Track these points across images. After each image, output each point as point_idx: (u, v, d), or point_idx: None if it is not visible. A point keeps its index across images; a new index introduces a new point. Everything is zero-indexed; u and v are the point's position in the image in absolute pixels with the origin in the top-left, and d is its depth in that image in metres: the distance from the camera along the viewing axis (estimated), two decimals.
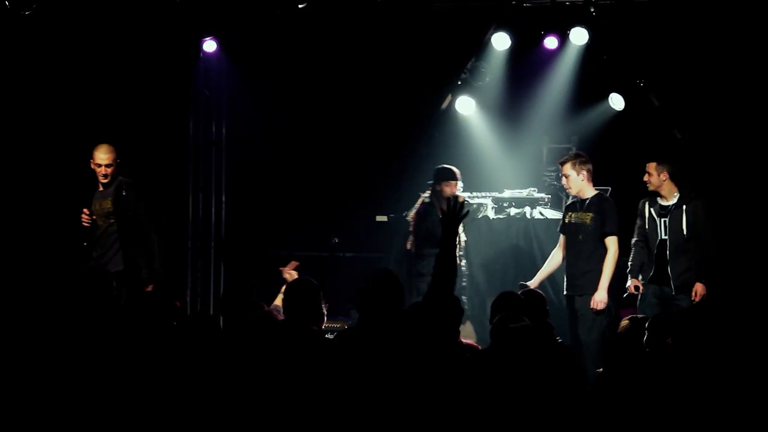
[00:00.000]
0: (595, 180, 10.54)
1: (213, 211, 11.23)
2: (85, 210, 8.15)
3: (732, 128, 10.10)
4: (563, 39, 10.49)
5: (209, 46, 10.80)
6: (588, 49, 10.45)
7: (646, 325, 5.70)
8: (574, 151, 8.36)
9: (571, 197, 8.54)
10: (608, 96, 10.52)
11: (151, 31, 10.20)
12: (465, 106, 10.86)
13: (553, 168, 10.64)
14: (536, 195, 9.98)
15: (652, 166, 8.44)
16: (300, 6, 9.83)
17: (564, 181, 8.25)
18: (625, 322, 6.07)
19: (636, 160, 9.10)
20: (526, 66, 10.80)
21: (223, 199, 11.29)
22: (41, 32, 9.62)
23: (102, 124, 10.19)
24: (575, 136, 10.85)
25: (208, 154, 11.21)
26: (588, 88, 10.64)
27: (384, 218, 10.06)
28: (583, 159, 8.25)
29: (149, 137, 10.54)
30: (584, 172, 8.15)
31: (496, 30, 10.52)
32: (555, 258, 8.48)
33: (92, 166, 8.26)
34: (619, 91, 10.45)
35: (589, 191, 8.23)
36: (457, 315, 5.46)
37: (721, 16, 9.86)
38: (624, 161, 10.40)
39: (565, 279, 8.36)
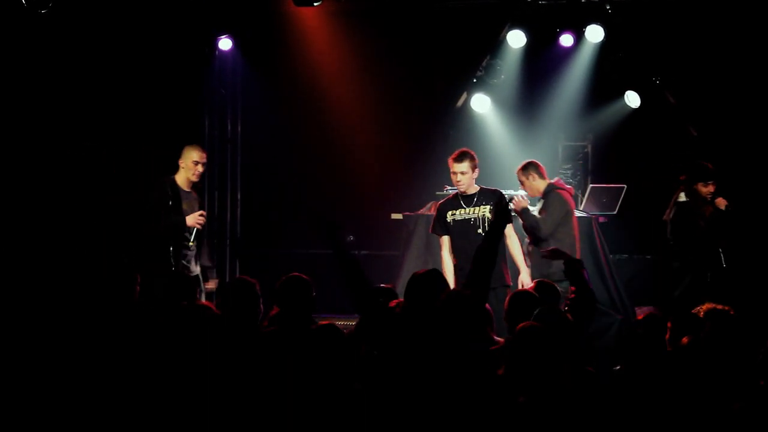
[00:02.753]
0: (611, 178, 10.54)
1: (228, 208, 11.25)
2: (203, 212, 8.00)
3: (748, 125, 10.07)
4: (579, 36, 10.48)
5: (224, 44, 10.84)
6: (603, 47, 10.44)
7: (668, 323, 5.67)
8: (466, 149, 8.27)
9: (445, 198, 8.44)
10: (624, 93, 10.50)
11: (167, 30, 10.23)
12: (480, 103, 10.86)
13: (569, 166, 10.62)
14: None
15: (518, 174, 8.50)
16: (315, 4, 9.84)
17: (459, 177, 8.15)
18: (640, 319, 6.02)
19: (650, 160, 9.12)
20: (541, 64, 10.79)
21: (239, 196, 11.31)
22: (58, 30, 9.65)
23: (118, 123, 10.25)
24: (591, 134, 10.85)
25: (224, 152, 11.24)
26: (603, 85, 10.62)
27: (399, 216, 10.05)
28: (475, 156, 8.20)
29: (165, 136, 10.56)
30: (477, 170, 8.12)
31: (512, 27, 10.52)
32: (449, 262, 8.13)
33: (185, 164, 8.04)
34: (635, 88, 10.43)
35: (474, 187, 8.19)
36: (473, 310, 5.54)
37: (737, 13, 9.83)
38: (639, 160, 10.40)
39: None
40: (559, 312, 5.51)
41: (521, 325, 4.84)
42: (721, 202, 8.41)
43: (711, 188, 8.39)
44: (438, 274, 5.90)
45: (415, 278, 5.76)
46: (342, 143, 11.16)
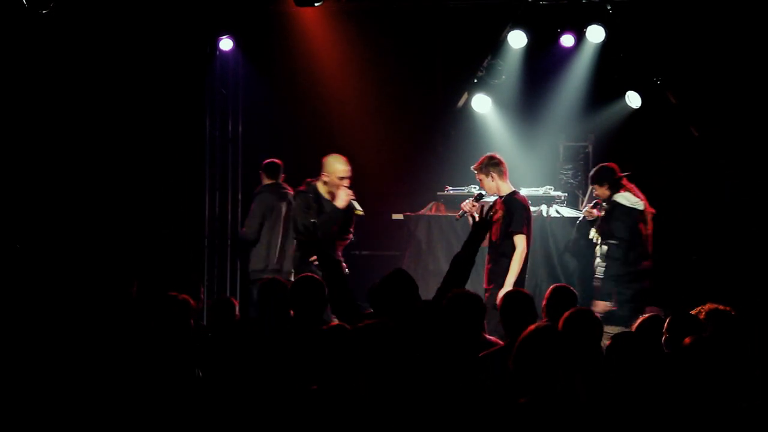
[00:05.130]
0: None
1: (230, 209, 11.25)
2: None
3: (749, 125, 10.07)
4: (580, 37, 10.48)
5: (225, 44, 10.85)
6: (604, 47, 10.44)
7: (665, 325, 5.65)
8: (490, 154, 8.25)
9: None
10: (625, 94, 10.50)
11: (168, 30, 10.24)
12: (481, 104, 10.86)
13: (570, 166, 10.61)
14: (552, 193, 9.96)
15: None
16: (316, 4, 9.84)
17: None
18: (636, 323, 5.98)
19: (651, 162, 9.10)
20: (542, 64, 10.80)
21: (240, 197, 11.31)
22: (59, 31, 9.66)
23: (120, 124, 10.26)
24: (592, 134, 10.84)
25: (225, 152, 11.24)
26: (604, 85, 10.62)
27: (400, 216, 10.06)
28: (494, 161, 8.11)
29: (167, 136, 10.58)
30: (493, 174, 8.07)
31: (513, 28, 10.53)
32: None
33: (330, 180, 8.26)
34: (636, 88, 10.43)
35: (504, 189, 8.15)
36: (480, 311, 5.55)
37: (738, 12, 9.83)
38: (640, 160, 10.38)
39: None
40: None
41: (534, 325, 4.80)
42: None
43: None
44: (402, 272, 5.87)
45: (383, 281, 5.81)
46: (343, 143, 11.10)
